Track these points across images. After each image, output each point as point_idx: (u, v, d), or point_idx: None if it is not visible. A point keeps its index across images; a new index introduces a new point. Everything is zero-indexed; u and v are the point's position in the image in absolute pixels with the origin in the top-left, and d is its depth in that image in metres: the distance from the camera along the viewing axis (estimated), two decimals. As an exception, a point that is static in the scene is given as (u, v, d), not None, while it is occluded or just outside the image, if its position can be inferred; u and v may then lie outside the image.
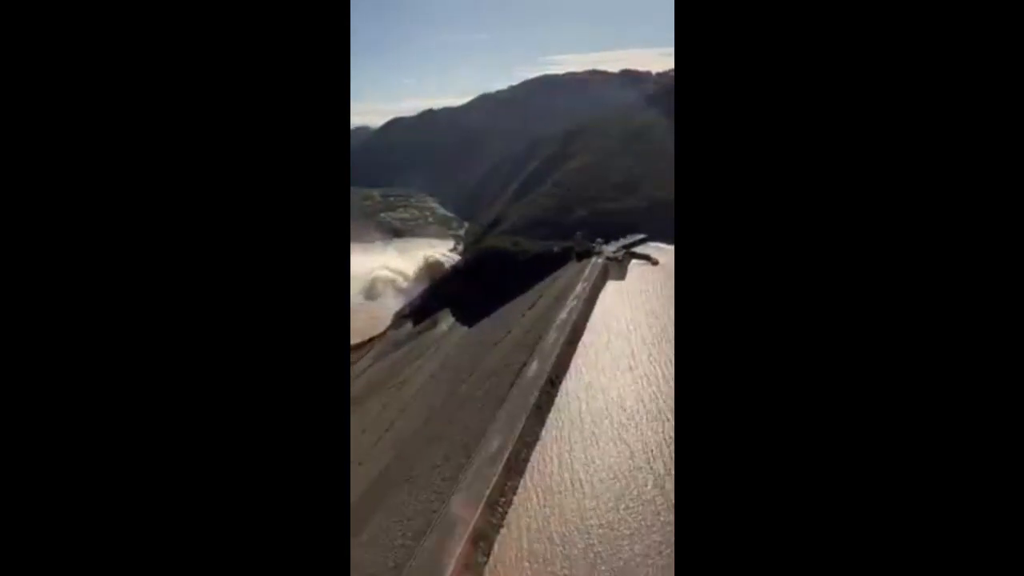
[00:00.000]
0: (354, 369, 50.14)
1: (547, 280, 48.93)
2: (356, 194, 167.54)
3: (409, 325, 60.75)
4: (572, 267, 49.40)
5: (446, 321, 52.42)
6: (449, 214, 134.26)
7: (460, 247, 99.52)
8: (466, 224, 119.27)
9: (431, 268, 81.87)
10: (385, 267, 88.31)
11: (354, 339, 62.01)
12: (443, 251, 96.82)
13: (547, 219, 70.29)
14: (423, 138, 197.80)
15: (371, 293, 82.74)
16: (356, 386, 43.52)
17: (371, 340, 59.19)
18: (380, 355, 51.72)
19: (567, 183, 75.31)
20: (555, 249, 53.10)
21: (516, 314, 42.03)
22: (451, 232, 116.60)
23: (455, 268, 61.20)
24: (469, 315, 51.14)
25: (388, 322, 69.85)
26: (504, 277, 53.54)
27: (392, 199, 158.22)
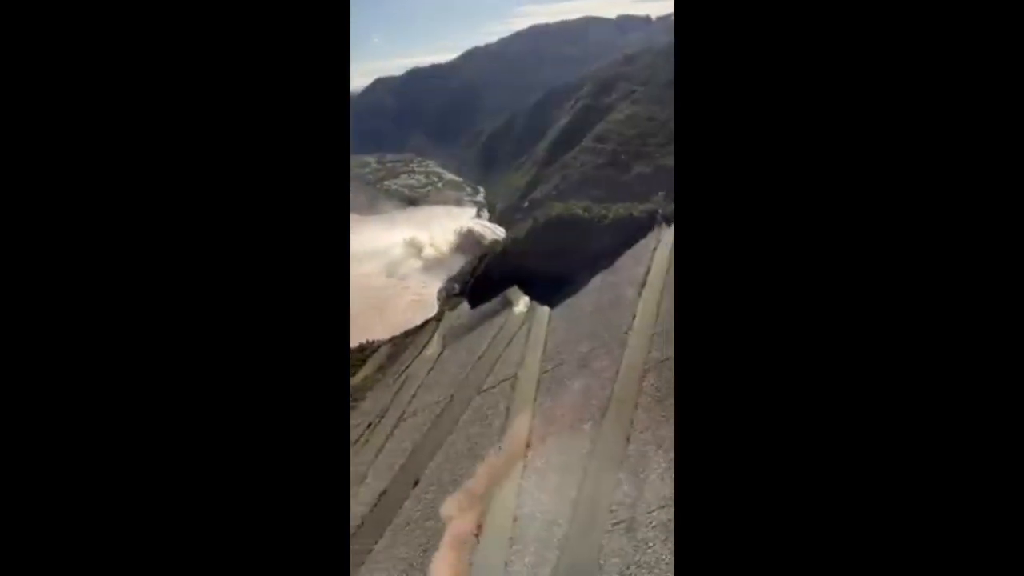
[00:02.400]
0: (423, 358, 45.01)
1: (637, 249, 43.79)
2: (354, 161, 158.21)
3: (465, 305, 55.30)
4: (665, 233, 44.25)
5: (520, 300, 47.08)
6: (457, 178, 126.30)
7: (485, 213, 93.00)
8: (481, 189, 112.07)
9: (467, 239, 75.51)
10: (409, 241, 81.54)
11: (404, 324, 56.64)
12: (469, 219, 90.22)
13: (599, 179, 64.50)
14: (413, 98, 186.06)
15: (396, 270, 76.41)
16: (441, 379, 38.46)
17: (426, 324, 53.70)
18: (450, 340, 46.43)
19: (614, 137, 68.96)
20: (635, 213, 47.64)
21: (625, 292, 37.02)
22: (468, 198, 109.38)
23: (514, 239, 55.25)
24: (546, 293, 45.93)
25: (432, 302, 64.35)
26: (579, 247, 48.14)
27: (391, 165, 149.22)
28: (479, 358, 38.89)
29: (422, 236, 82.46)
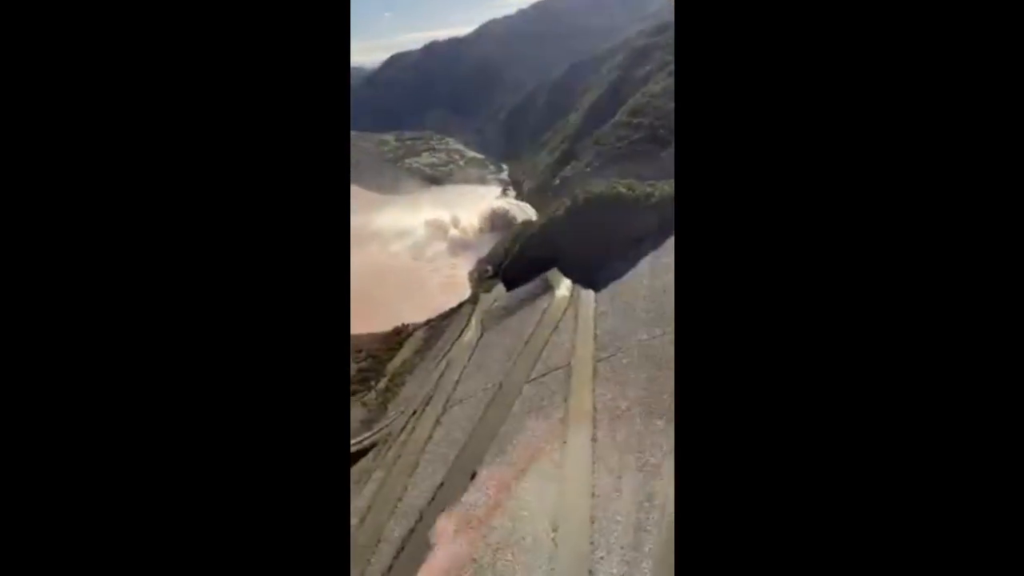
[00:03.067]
0: (462, 342, 43.78)
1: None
2: (369, 139, 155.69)
3: (501, 287, 53.84)
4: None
5: (561, 283, 45.43)
6: (479, 155, 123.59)
7: (512, 192, 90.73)
8: (504, 166, 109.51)
9: (496, 219, 73.63)
10: (436, 221, 79.86)
11: (438, 306, 55.50)
12: (496, 198, 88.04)
13: (636, 155, 61.74)
14: (430, 74, 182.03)
15: (424, 251, 74.98)
16: (485, 365, 37.24)
17: (461, 307, 52.45)
18: (489, 324, 45.11)
19: (650, 111, 65.87)
20: (682, 191, 45.28)
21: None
22: (492, 176, 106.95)
23: (551, 218, 53.29)
24: (588, 276, 44.21)
25: (465, 284, 62.97)
26: (622, 228, 46.12)
27: (410, 143, 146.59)
28: (525, 343, 37.49)
29: (448, 216, 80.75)
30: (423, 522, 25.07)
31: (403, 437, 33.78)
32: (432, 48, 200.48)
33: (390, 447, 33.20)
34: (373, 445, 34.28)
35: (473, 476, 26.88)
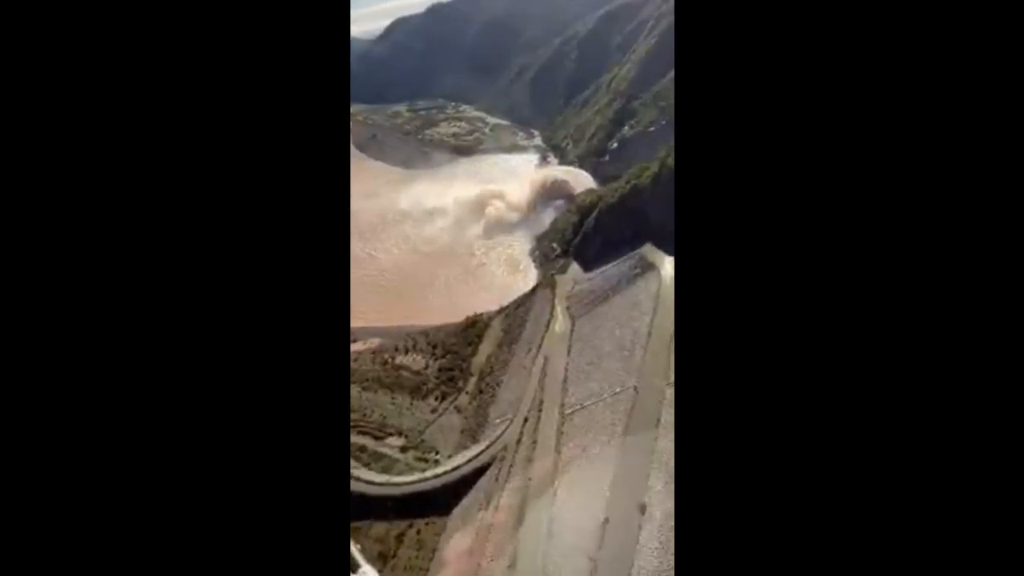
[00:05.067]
0: (553, 334, 39.04)
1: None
2: (380, 112, 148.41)
3: (575, 267, 48.81)
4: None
5: (663, 262, 40.22)
6: (504, 122, 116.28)
7: (553, 159, 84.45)
8: (536, 132, 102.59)
9: (550, 190, 67.76)
10: (478, 195, 74.04)
11: (507, 290, 50.77)
12: (537, 167, 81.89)
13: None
14: (437, 37, 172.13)
15: (468, 229, 69.52)
16: (599, 362, 32.52)
17: (535, 291, 47.52)
18: (579, 312, 40.26)
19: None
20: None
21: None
22: (525, 142, 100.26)
23: (634, 187, 47.59)
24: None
25: (528, 264, 57.93)
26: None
27: (425, 112, 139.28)
28: (648, 335, 32.60)
29: (489, 189, 74.89)
30: (599, 573, 20.75)
31: (522, 451, 29.45)
32: (435, 9, 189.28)
33: (511, 465, 28.88)
34: (490, 462, 29.96)
35: (643, 510, 22.41)
